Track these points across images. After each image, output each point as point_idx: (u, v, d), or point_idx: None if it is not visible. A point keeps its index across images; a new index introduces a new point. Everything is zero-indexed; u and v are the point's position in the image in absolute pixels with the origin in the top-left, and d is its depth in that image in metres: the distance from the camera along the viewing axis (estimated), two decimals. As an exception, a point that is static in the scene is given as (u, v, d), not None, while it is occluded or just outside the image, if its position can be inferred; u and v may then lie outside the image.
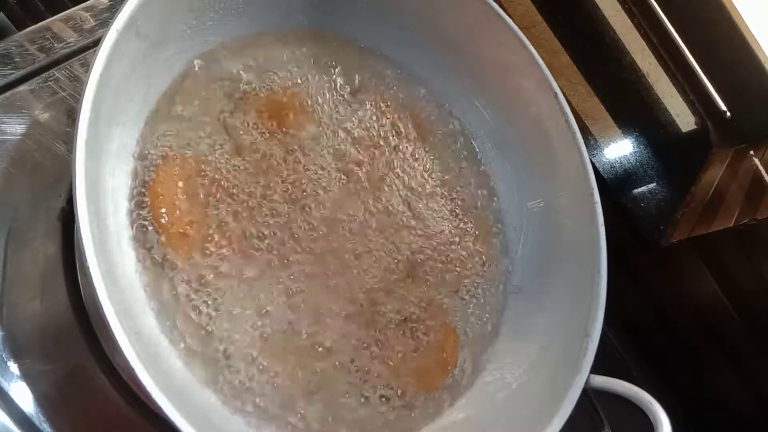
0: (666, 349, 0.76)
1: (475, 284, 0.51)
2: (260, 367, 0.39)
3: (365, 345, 0.44)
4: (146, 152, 0.39)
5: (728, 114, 0.83)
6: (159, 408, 0.29)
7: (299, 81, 0.47)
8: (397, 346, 0.45)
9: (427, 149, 0.53)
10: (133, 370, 0.29)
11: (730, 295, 0.67)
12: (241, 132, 0.43)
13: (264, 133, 0.44)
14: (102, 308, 0.29)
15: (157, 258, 0.37)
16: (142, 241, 0.37)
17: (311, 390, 0.40)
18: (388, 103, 0.51)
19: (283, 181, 0.44)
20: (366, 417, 0.42)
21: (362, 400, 0.43)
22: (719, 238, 0.65)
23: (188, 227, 0.39)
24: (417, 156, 0.52)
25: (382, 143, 0.50)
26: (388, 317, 0.46)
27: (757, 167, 0.76)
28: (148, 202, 0.38)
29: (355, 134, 0.49)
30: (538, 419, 0.42)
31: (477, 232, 0.53)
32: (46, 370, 0.35)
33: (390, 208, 0.48)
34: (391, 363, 0.44)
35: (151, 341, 0.35)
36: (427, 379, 0.46)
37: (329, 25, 0.49)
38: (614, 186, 0.72)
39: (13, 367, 0.34)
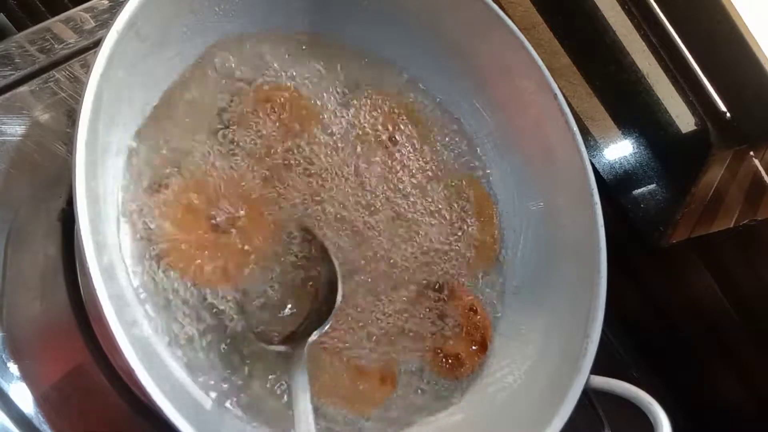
0: (666, 350, 0.76)
1: (475, 285, 0.51)
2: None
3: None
4: (146, 153, 0.39)
5: (728, 115, 0.83)
6: (158, 408, 0.29)
7: (299, 82, 0.47)
8: (398, 344, 0.45)
9: (426, 149, 0.53)
10: (132, 369, 0.29)
11: (730, 295, 0.67)
12: (242, 132, 0.43)
13: (264, 133, 0.44)
14: (102, 309, 0.29)
15: (157, 258, 0.37)
16: (141, 241, 0.37)
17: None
18: (388, 104, 0.51)
19: (284, 183, 0.44)
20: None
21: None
22: (719, 238, 0.65)
23: (188, 228, 0.39)
24: (416, 156, 0.52)
25: (381, 143, 0.50)
26: (391, 318, 0.46)
27: (757, 168, 0.76)
28: (148, 204, 0.38)
29: (355, 135, 0.49)
30: (538, 420, 0.42)
31: (477, 233, 0.53)
32: (46, 370, 0.35)
33: (389, 209, 0.48)
34: (397, 361, 0.45)
35: (151, 341, 0.35)
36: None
37: (329, 27, 0.49)
38: (614, 187, 0.72)
39: (13, 367, 0.34)
